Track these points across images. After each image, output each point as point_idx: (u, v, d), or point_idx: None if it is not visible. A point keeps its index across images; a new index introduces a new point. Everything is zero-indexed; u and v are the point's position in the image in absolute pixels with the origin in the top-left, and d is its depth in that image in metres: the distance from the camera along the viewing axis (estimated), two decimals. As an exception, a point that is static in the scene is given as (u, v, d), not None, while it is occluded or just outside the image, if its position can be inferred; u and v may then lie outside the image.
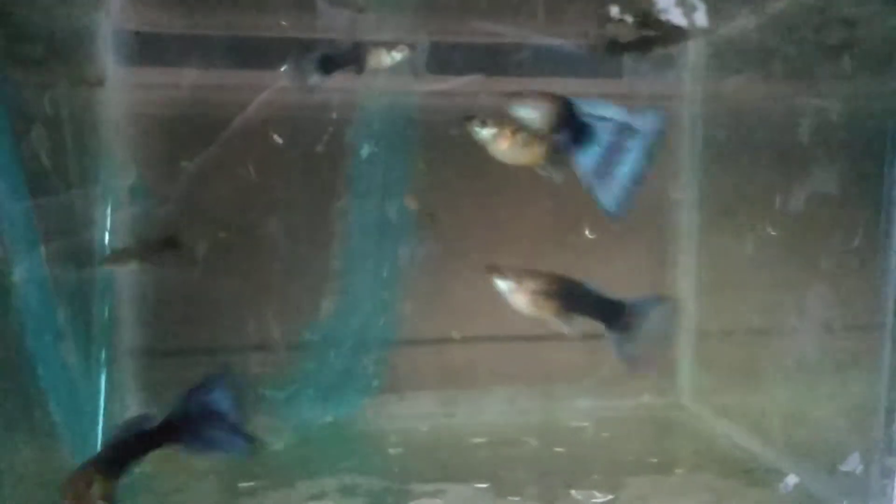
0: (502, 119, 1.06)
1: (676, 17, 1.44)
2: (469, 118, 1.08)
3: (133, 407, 1.44)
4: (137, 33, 1.40)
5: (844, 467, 1.12)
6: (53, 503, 1.10)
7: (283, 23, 1.45)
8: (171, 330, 1.49)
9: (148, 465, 1.29)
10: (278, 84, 1.40)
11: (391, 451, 1.41)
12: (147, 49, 1.41)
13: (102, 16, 1.36)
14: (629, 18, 1.38)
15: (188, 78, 1.42)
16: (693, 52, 1.57)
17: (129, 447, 0.87)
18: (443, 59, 1.47)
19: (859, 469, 1.11)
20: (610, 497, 1.19)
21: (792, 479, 1.18)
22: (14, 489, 0.98)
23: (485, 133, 1.07)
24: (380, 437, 1.47)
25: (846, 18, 1.21)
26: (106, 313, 1.33)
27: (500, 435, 1.48)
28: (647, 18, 1.37)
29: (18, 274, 0.96)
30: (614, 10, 1.37)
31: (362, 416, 1.52)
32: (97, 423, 1.26)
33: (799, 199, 1.32)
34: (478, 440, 1.45)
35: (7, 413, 0.95)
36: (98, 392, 1.28)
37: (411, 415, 1.56)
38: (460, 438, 1.47)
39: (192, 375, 1.46)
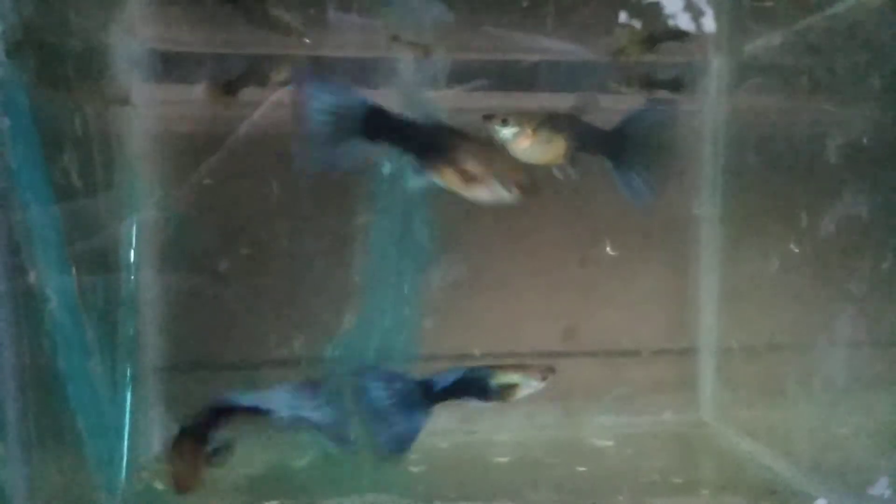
0: (522, 117, 1.05)
1: (684, 22, 1.44)
2: (489, 117, 1.06)
3: (158, 423, 1.45)
4: (162, 52, 1.41)
5: (873, 491, 1.11)
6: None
7: (307, 40, 1.46)
8: (193, 346, 1.49)
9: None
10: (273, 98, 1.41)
11: (413, 468, 1.41)
12: (172, 67, 1.42)
13: (128, 36, 1.37)
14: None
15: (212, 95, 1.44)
16: (717, 68, 1.56)
17: None
18: (463, 75, 1.48)
19: (888, 494, 1.09)
20: (635, 518, 1.19)
21: (821, 503, 1.16)
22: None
23: (505, 132, 1.05)
24: (401, 454, 1.47)
25: (873, 38, 1.21)
26: (131, 329, 1.34)
27: (522, 453, 1.47)
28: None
29: (50, 292, 0.97)
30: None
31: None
32: (123, 440, 1.27)
33: (824, 216, 1.31)
34: (500, 459, 1.44)
35: (38, 430, 0.95)
36: (124, 408, 1.29)
37: (431, 431, 1.55)
38: (482, 456, 1.46)
39: (212, 392, 1.50)
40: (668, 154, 1.14)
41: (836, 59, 1.28)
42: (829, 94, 1.32)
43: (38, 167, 0.94)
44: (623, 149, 1.09)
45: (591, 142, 1.10)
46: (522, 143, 1.06)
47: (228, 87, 1.30)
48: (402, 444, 0.99)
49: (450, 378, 1.00)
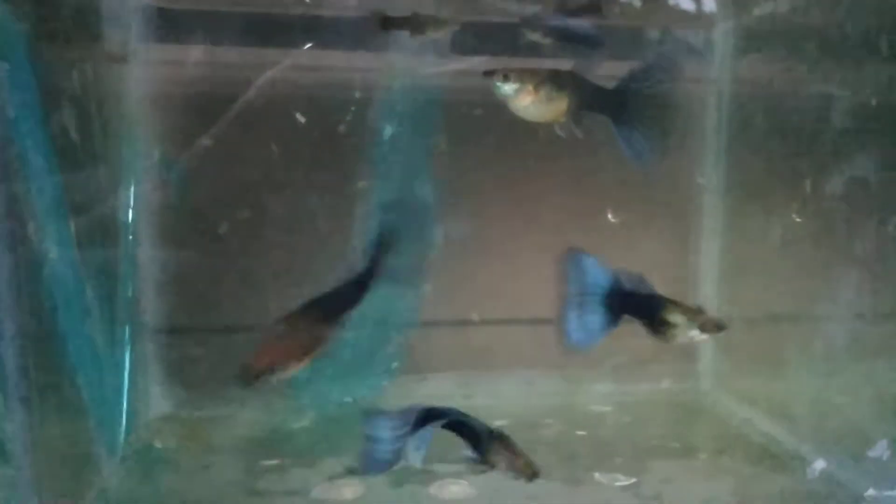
0: (524, 73, 1.03)
1: (685, 2, 1.42)
2: (490, 73, 1.03)
3: (154, 385, 1.45)
4: (160, 9, 1.39)
5: (872, 453, 1.11)
6: (79, 475, 1.12)
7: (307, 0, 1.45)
8: (191, 309, 1.49)
9: (173, 443, 1.33)
10: (284, 64, 1.39)
11: (412, 432, 1.41)
12: (170, 26, 1.40)
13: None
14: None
15: (211, 55, 1.43)
16: (721, 35, 1.55)
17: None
18: (467, 40, 1.46)
19: (886, 455, 1.10)
20: (633, 480, 1.19)
21: (819, 464, 1.17)
22: (45, 461, 0.99)
23: (507, 88, 1.02)
24: (400, 418, 1.47)
25: (879, 1, 1.19)
26: (130, 291, 1.33)
27: (521, 417, 1.47)
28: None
29: (50, 249, 0.96)
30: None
31: (382, 396, 1.52)
32: (121, 401, 1.27)
33: (827, 187, 1.30)
34: (499, 423, 1.44)
35: (39, 386, 0.95)
36: (122, 369, 1.28)
37: (431, 396, 1.56)
38: (480, 419, 1.46)
39: (211, 354, 1.50)
40: (670, 113, 1.13)
41: (843, 23, 1.26)
42: (836, 61, 1.31)
43: (36, 118, 0.92)
44: (625, 107, 1.08)
45: (593, 100, 1.09)
46: (524, 100, 1.04)
47: (385, 23, 1.26)
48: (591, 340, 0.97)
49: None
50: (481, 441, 0.94)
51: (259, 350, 0.90)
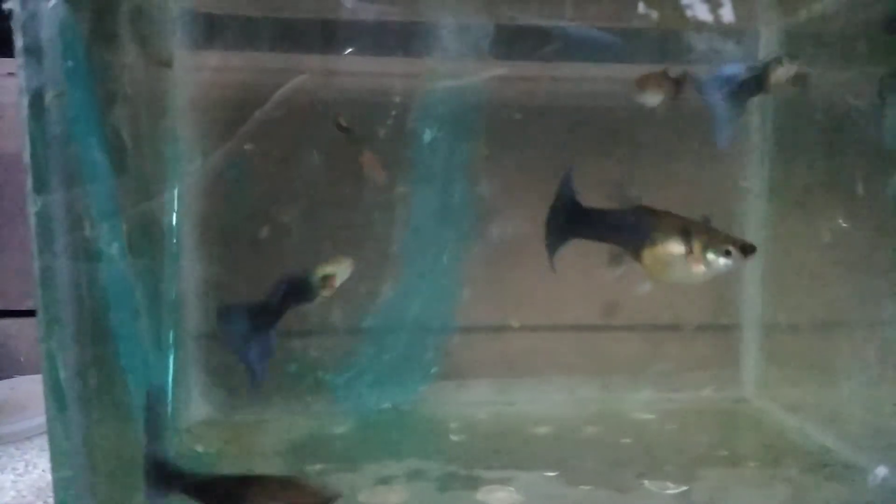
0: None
1: (702, 13, 1.41)
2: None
3: (196, 390, 1.45)
4: (203, 15, 1.40)
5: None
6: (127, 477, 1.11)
7: (348, 5, 1.45)
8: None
9: (215, 447, 1.32)
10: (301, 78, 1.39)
11: (453, 437, 1.40)
12: (211, 31, 1.41)
13: (171, -3, 1.36)
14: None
15: (253, 61, 1.43)
16: (765, 37, 1.53)
17: None
18: (506, 43, 1.46)
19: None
20: (684, 488, 1.16)
21: (882, 471, 1.14)
22: (98, 462, 0.98)
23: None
24: (440, 424, 1.46)
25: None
26: (173, 294, 1.33)
27: (563, 424, 1.45)
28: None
29: (103, 245, 0.96)
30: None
31: (420, 402, 1.51)
32: (166, 405, 1.27)
33: (873, 188, 1.28)
34: (541, 429, 1.43)
35: (94, 383, 0.95)
36: (167, 373, 1.28)
37: (469, 402, 1.55)
38: (521, 426, 1.45)
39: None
40: None
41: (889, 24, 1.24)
42: (882, 62, 1.28)
43: (93, 119, 0.92)
44: None
45: None
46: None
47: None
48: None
49: None
50: None
51: None
